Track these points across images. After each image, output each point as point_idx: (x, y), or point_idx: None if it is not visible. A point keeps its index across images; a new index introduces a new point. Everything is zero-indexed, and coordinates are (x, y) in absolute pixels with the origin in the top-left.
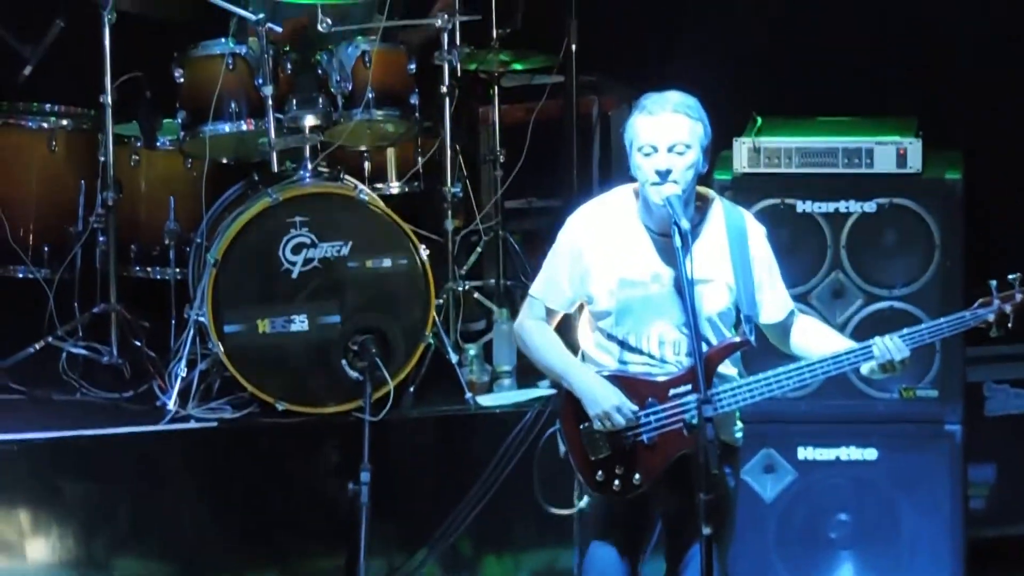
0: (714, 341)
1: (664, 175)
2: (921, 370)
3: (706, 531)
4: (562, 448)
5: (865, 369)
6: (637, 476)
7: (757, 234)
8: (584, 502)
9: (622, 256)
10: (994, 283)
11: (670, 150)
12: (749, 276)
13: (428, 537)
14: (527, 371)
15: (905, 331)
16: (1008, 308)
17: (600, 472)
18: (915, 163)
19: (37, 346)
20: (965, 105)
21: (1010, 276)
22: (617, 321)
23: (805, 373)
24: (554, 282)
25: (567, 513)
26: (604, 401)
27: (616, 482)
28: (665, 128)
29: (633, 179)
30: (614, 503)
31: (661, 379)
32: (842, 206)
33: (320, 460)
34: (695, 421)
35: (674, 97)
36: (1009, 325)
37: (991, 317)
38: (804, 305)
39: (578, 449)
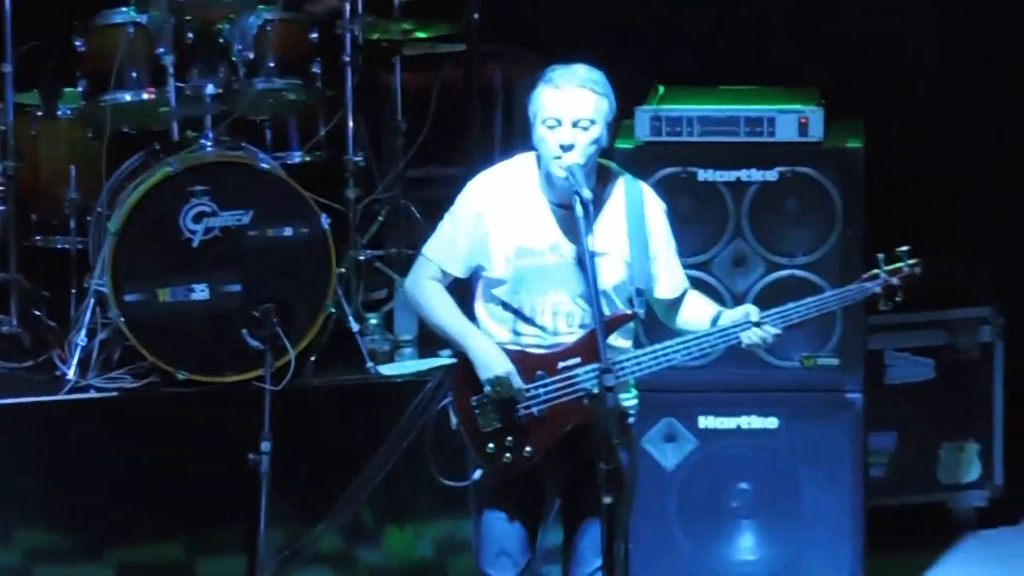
0: (607, 313)
1: (567, 149)
2: (822, 338)
3: (606, 500)
4: (454, 420)
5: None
6: (528, 449)
7: (655, 208)
8: (477, 474)
9: (521, 224)
10: (882, 256)
11: (574, 124)
12: (645, 250)
13: (329, 507)
14: (429, 340)
15: (791, 305)
16: (895, 281)
17: (491, 444)
18: (817, 132)
19: None
20: (867, 74)
21: (899, 249)
22: (512, 289)
23: (703, 342)
24: (451, 245)
25: (461, 485)
26: (497, 366)
27: (507, 454)
28: (570, 102)
29: (535, 149)
30: (506, 474)
31: (550, 352)
32: (744, 175)
33: (221, 430)
34: (596, 390)
35: (580, 71)
36: (897, 298)
37: (878, 290)
38: (706, 274)
39: (469, 421)
